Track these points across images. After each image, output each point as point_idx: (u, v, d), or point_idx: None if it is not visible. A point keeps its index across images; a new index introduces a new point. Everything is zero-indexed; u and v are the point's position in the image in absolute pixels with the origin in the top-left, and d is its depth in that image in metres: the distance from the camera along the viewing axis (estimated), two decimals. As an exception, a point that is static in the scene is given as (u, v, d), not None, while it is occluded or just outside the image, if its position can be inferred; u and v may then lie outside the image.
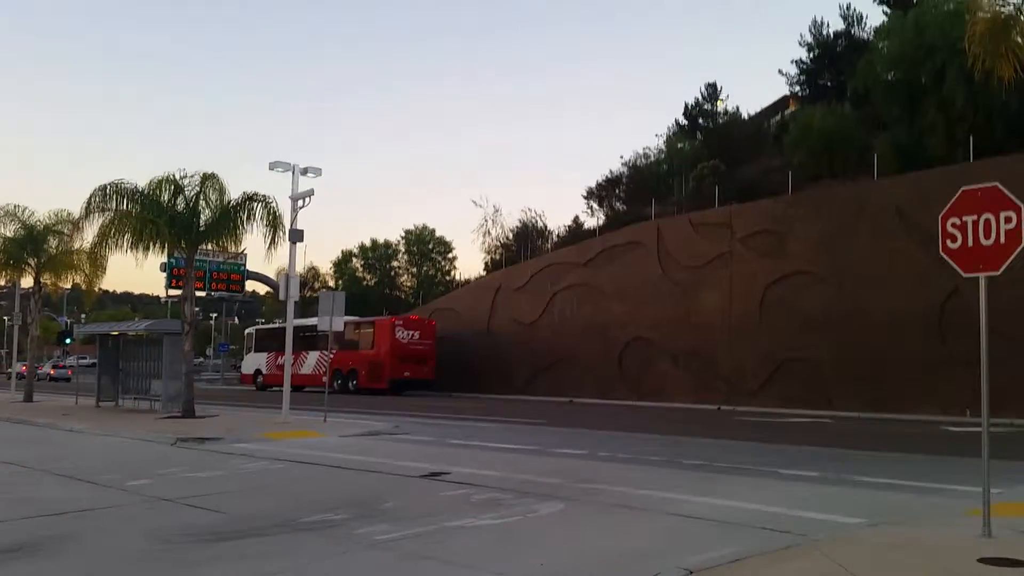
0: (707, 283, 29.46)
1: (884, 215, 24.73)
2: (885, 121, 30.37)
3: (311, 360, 39.32)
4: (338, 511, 8.21)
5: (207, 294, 51.16)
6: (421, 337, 38.24)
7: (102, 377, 25.52)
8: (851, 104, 32.93)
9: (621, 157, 52.34)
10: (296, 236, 19.81)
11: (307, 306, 43.71)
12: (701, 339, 29.22)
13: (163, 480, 10.46)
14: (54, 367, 61.54)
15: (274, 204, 20.44)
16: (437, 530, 7.34)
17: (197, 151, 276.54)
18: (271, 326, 49.61)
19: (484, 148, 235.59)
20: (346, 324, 36.63)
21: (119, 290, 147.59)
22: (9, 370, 70.73)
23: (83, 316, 75.75)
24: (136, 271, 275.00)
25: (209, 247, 23.55)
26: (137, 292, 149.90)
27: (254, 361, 44.45)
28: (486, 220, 50.11)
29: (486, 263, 49.33)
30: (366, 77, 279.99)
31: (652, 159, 42.71)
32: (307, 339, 38.14)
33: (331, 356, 33.78)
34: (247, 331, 50.64)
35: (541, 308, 35.83)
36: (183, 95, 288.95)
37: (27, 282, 29.43)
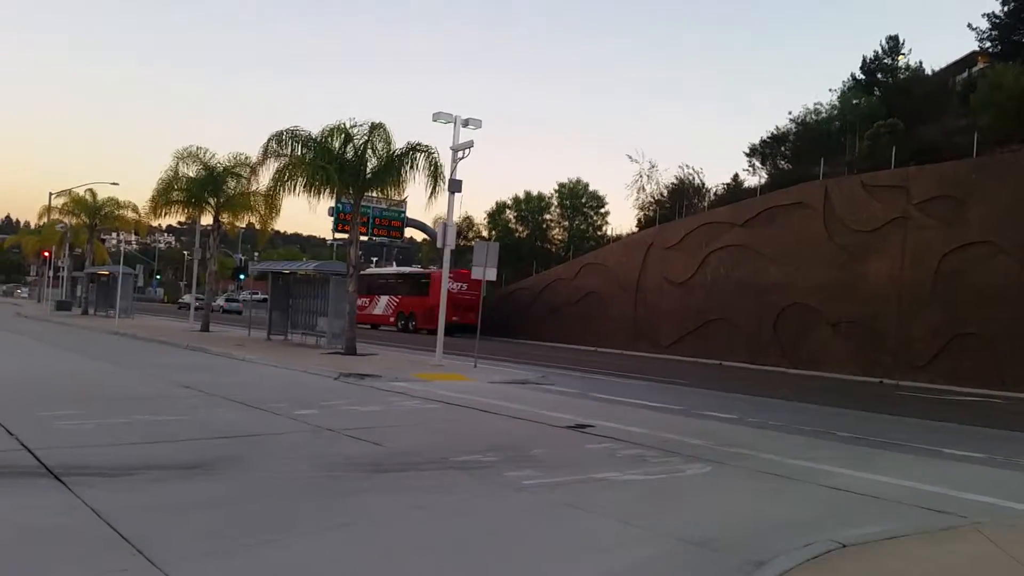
0: (877, 249, 27.83)
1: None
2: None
3: (382, 303, 45.28)
4: (487, 453, 8.51)
5: (369, 239, 53.48)
6: (469, 288, 41.82)
7: (273, 312, 27.31)
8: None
9: (789, 113, 50.16)
10: (455, 186, 20.30)
11: (461, 255, 44.70)
12: (866, 308, 27.76)
13: (327, 411, 11.16)
14: (226, 300, 66.13)
15: (436, 154, 21.00)
16: (582, 480, 7.47)
17: (357, 106, 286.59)
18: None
19: (643, 102, 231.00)
20: (410, 274, 47.78)
21: (289, 231, 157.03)
22: (180, 300, 77.41)
23: (256, 254, 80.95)
24: (304, 213, 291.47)
25: (374, 194, 24.48)
26: (306, 234, 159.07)
27: None
28: (641, 175, 49.15)
29: (639, 219, 48.60)
30: (525, 32, 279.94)
31: (823, 115, 40.45)
32: (380, 285, 46.87)
33: (398, 300, 44.97)
34: None
35: (694, 268, 35.07)
36: (342, 48, 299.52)
37: (207, 220, 31.63)
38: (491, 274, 20.12)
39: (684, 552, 5.46)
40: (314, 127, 21.32)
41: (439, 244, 21.55)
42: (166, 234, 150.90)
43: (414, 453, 8.45)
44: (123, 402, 11.22)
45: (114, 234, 67.18)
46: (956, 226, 25.53)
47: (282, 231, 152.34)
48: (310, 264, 28.84)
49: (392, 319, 46.03)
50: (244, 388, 13.60)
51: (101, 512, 5.60)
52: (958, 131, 29.98)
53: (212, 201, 29.91)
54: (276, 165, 21.24)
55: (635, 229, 47.22)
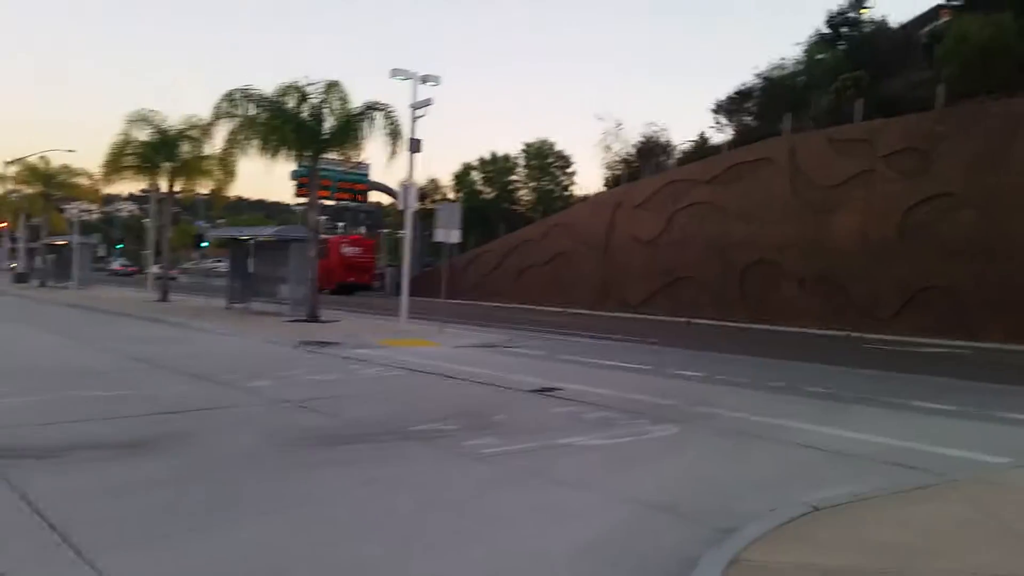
0: (842, 204, 27.76)
1: (1046, 134, 22.40)
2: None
3: None
4: (448, 421, 8.21)
5: (335, 203, 52.72)
6: (363, 252, 48.49)
7: (233, 280, 26.65)
8: (1012, 13, 29.63)
9: (755, 68, 49.72)
10: (415, 146, 19.80)
11: (426, 217, 44.17)
12: (831, 262, 27.76)
13: (283, 382, 10.77)
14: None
15: (394, 113, 20.50)
16: (546, 447, 7.20)
17: (315, 64, 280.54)
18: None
19: (608, 61, 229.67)
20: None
21: (254, 197, 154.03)
22: (110, 268, 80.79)
23: (219, 221, 79.60)
24: (271, 179, 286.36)
25: (334, 156, 23.88)
26: (271, 200, 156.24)
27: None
28: (608, 134, 48.85)
29: (606, 179, 48.24)
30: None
31: (788, 71, 40.14)
32: None
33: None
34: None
35: (661, 226, 34.86)
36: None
37: (164, 186, 30.74)
38: (455, 236, 19.66)
39: (650, 519, 5.22)
40: (268, 87, 20.62)
41: (400, 206, 21.09)
42: (129, 202, 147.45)
43: (371, 423, 8.13)
44: (68, 377, 10.74)
45: (74, 203, 65.63)
46: (921, 179, 25.50)
47: (247, 197, 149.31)
48: (269, 229, 28.14)
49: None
50: (198, 359, 13.16)
51: (28, 497, 5.24)
52: (923, 84, 29.81)
53: (166, 166, 29.03)
54: (229, 126, 20.57)
55: (602, 188, 46.92)
